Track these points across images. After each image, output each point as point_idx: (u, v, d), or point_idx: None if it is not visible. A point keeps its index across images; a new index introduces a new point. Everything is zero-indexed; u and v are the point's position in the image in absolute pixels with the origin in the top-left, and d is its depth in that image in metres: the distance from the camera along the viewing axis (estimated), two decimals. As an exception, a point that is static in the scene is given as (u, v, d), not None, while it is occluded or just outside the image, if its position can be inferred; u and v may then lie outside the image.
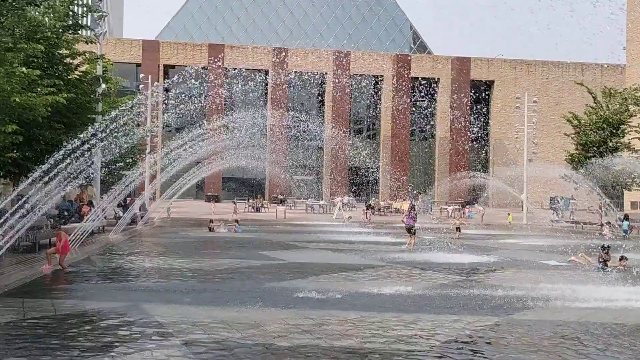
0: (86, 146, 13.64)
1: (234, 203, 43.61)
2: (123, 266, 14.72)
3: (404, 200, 54.74)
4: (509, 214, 39.51)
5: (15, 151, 20.65)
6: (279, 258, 16.83)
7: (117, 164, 26.46)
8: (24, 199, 12.53)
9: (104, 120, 15.63)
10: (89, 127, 14.66)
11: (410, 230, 20.07)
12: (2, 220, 11.30)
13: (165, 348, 6.80)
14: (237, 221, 27.87)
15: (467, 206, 48.25)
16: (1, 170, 21.06)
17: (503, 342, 7.73)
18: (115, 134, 17.69)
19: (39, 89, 18.80)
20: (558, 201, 49.56)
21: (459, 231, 25.74)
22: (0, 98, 15.71)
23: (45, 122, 20.03)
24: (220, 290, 11.02)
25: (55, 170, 11.73)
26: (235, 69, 58.41)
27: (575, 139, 39.43)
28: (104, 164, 25.72)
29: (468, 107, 63.28)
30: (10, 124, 16.54)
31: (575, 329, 8.43)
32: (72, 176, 12.91)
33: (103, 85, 26.65)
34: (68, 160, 12.36)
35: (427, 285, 12.21)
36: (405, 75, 63.08)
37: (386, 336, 7.60)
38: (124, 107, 20.79)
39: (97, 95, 25.10)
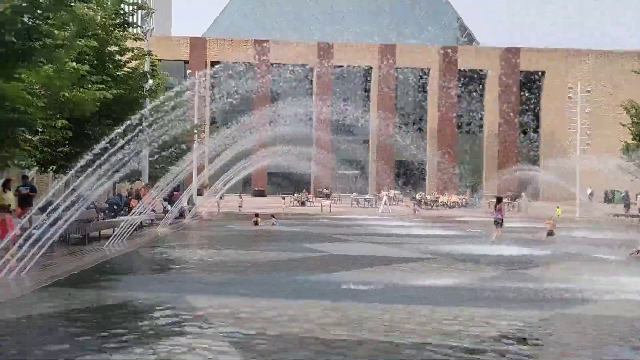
0: (131, 136, 13.82)
1: (283, 198, 44.05)
2: (169, 258, 14.91)
3: (451, 193, 53.94)
4: (557, 207, 38.39)
5: (66, 146, 21.26)
6: (323, 251, 16.73)
7: (162, 154, 26.78)
8: (68, 191, 12.74)
9: (151, 107, 15.78)
10: (136, 115, 14.76)
11: (497, 223, 19.94)
12: (48, 211, 11.55)
13: (206, 339, 6.78)
14: (273, 215, 27.89)
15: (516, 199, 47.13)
16: (53, 164, 21.68)
17: (554, 337, 7.42)
18: (161, 122, 17.87)
19: (88, 85, 19.27)
20: (614, 193, 47.93)
21: (552, 235, 22.27)
22: (50, 93, 16.13)
23: (95, 118, 20.51)
24: (263, 282, 10.99)
25: (99, 162, 11.91)
26: (280, 64, 58.68)
27: (632, 129, 38.03)
28: (151, 153, 26.08)
29: (517, 99, 61.76)
30: (60, 119, 16.98)
31: (630, 325, 8.01)
32: (116, 168, 13.12)
33: (150, 82, 27.10)
34: (113, 151, 12.51)
35: (475, 278, 11.89)
36: (452, 67, 62.01)
37: (433, 329, 7.37)
38: (169, 94, 21.03)
39: (144, 91, 25.56)
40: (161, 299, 9.06)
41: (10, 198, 16.90)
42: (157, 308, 8.45)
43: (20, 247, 10.83)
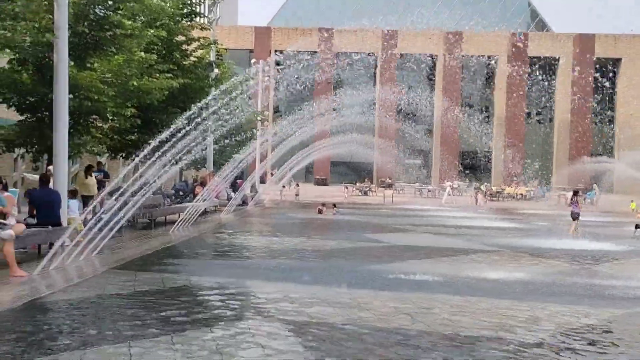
0: (195, 124, 14.07)
1: (346, 187, 44.09)
2: (231, 244, 15.17)
3: (518, 185, 52.41)
4: (632, 201, 36.60)
5: (134, 133, 21.94)
6: (384, 240, 16.61)
7: (226, 141, 27.20)
8: (134, 177, 13.13)
9: (213, 95, 16.01)
10: (200, 103, 14.98)
11: (574, 217, 19.47)
12: (116, 196, 11.93)
13: (264, 325, 6.82)
14: (334, 205, 27.87)
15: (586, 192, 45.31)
16: (122, 151, 22.43)
17: (622, 336, 7.06)
18: (226, 109, 18.13)
19: (156, 74, 19.77)
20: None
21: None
22: (120, 82, 16.65)
23: (162, 107, 21.04)
24: (324, 270, 11.00)
25: (164, 149, 12.18)
26: (344, 52, 58.46)
27: None
28: (215, 141, 26.51)
29: (591, 87, 59.17)
30: (129, 108, 17.52)
31: None
32: (180, 156, 13.41)
33: (216, 70, 27.54)
34: (178, 139, 12.78)
35: (540, 272, 11.49)
36: (522, 55, 60.04)
37: (493, 323, 7.15)
38: (233, 82, 21.29)
39: (210, 80, 26.00)
40: (222, 283, 9.20)
41: (91, 183, 17.64)
42: (217, 292, 8.58)
43: (91, 229, 11.25)
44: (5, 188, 14.72)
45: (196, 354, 5.64)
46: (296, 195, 39.05)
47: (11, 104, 16.54)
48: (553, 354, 6.05)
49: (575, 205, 19.91)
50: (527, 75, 58.88)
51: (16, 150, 18.82)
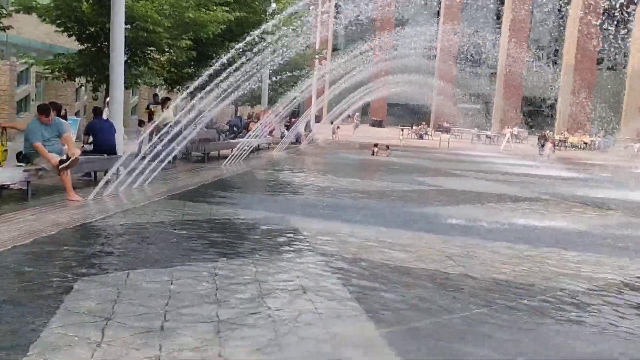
0: (247, 57, 13.95)
1: (401, 130, 43.53)
2: (280, 180, 15.29)
3: (582, 134, 50.43)
4: None
5: (191, 67, 22.06)
6: (435, 184, 16.36)
7: (281, 77, 27.03)
8: (186, 109, 13.22)
9: (266, 26, 15.71)
10: (254, 32, 14.71)
11: None
12: (167, 128, 12.08)
13: (306, 260, 6.86)
14: (388, 147, 27.54)
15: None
16: (179, 84, 22.67)
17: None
18: (281, 43, 17.88)
19: (213, 7, 19.62)
20: None
21: None
22: (176, 14, 16.63)
23: (218, 40, 20.98)
24: (371, 210, 10.94)
25: (216, 81, 12.17)
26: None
27: None
28: (270, 76, 26.35)
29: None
30: (184, 40, 17.54)
31: None
32: (232, 89, 13.39)
33: (273, 5, 27.12)
34: (230, 70, 12.71)
35: (594, 223, 11.08)
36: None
37: (541, 272, 6.96)
38: (289, 13, 20.90)
39: (267, 15, 25.65)
40: (267, 218, 9.30)
41: (169, 115, 17.85)
42: (261, 226, 8.68)
43: (144, 159, 11.51)
44: (65, 117, 15.15)
45: (235, 280, 5.74)
46: (333, 133, 38.02)
47: (72, 33, 16.83)
48: (604, 305, 5.85)
49: None
50: (599, 18, 55.55)
51: (77, 79, 19.28)
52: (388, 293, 5.70)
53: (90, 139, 12.68)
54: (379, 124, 58.36)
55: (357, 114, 48.27)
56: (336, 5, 41.92)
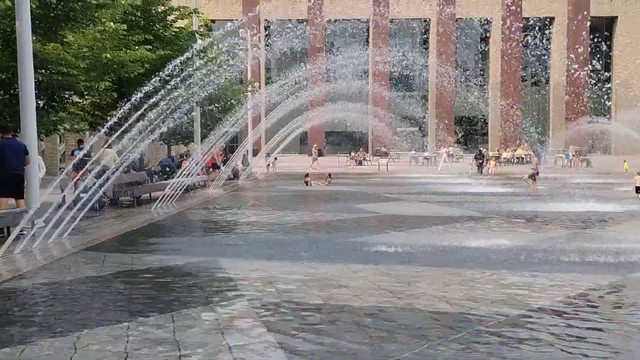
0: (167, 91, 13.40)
1: (350, 154, 43.96)
2: (213, 220, 14.63)
3: (515, 149, 51.83)
4: (624, 161, 36.14)
5: (117, 108, 21.24)
6: (374, 211, 16.08)
7: (210, 108, 26.45)
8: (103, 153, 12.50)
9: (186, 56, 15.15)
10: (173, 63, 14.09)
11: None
12: (81, 173, 11.35)
13: (231, 306, 6.30)
14: (329, 175, 27.37)
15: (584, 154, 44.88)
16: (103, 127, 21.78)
17: (622, 302, 6.56)
18: (207, 79, 17.37)
19: (134, 47, 18.99)
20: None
21: None
22: (93, 55, 15.93)
23: (143, 80, 20.29)
24: (304, 244, 10.47)
25: (130, 120, 11.56)
26: (334, 20, 57.25)
27: None
28: (201, 108, 25.65)
29: (587, 47, 58.19)
30: (103, 81, 16.81)
31: None
32: (153, 127, 12.79)
33: (200, 41, 26.67)
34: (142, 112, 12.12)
35: (533, 239, 10.98)
36: (516, 16, 58.88)
37: (484, 298, 6.62)
38: (213, 40, 20.49)
39: (194, 52, 25.15)
40: (194, 263, 8.68)
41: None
42: (187, 274, 8.07)
43: (70, 209, 10.73)
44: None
45: (147, 344, 5.12)
46: (267, 165, 37.78)
47: (-20, 80, 15.83)
48: (544, 331, 5.53)
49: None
50: (521, 36, 57.85)
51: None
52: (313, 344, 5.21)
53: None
54: (318, 153, 58.37)
55: (315, 145, 48.34)
56: (266, 36, 41.83)
